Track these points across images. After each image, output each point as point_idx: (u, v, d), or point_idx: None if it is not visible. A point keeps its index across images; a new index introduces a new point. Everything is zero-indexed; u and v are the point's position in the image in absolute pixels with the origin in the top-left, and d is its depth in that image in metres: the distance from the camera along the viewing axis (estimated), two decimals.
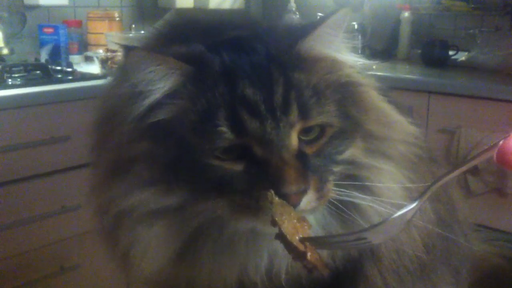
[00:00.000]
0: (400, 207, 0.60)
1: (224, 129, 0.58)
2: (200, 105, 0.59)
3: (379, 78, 0.76)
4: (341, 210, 0.64)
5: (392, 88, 0.77)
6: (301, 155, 0.60)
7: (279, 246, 0.59)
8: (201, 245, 0.65)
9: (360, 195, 0.65)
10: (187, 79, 0.60)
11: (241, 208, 0.60)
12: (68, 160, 1.73)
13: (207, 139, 0.58)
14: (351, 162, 0.65)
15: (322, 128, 0.62)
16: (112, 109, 0.65)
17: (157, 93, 0.60)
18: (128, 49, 0.59)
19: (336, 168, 0.64)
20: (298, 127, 0.60)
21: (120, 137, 0.62)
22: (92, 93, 1.75)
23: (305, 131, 0.61)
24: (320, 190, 0.60)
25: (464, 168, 0.62)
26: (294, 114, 0.59)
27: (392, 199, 0.66)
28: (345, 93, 0.65)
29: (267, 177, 0.58)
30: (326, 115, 0.62)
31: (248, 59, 0.62)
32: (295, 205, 0.58)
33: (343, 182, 0.64)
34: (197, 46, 0.62)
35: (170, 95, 0.60)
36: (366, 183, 0.66)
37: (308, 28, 0.64)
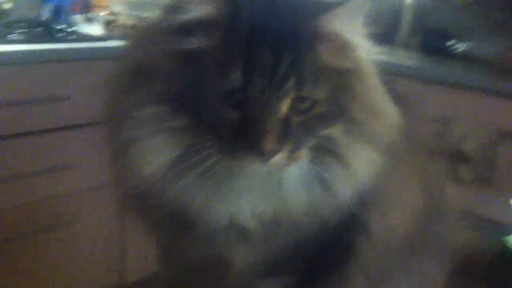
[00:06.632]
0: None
1: (236, 77, 0.63)
2: (225, 47, 0.65)
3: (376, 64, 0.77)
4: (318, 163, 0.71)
5: (387, 74, 0.80)
6: (286, 121, 0.66)
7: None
8: (192, 165, 0.68)
9: (332, 161, 0.72)
10: (220, 16, 0.65)
11: (225, 149, 0.66)
12: (67, 119, 1.73)
13: (221, 78, 0.64)
14: (328, 139, 0.71)
15: (313, 103, 0.68)
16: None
17: (193, 13, 0.65)
18: None
19: (314, 140, 0.70)
20: (291, 96, 0.65)
21: (150, 42, 0.69)
22: (93, 54, 1.75)
23: (298, 100, 0.66)
24: (292, 153, 0.67)
25: None
26: (290, 85, 0.64)
27: (361, 173, 0.73)
28: (340, 83, 0.69)
29: (252, 131, 0.64)
30: (318, 93, 0.67)
31: (273, 21, 0.66)
32: (266, 160, 0.65)
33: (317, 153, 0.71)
34: None
35: (204, 24, 0.65)
36: (338, 152, 0.72)
37: (330, 5, 0.67)
